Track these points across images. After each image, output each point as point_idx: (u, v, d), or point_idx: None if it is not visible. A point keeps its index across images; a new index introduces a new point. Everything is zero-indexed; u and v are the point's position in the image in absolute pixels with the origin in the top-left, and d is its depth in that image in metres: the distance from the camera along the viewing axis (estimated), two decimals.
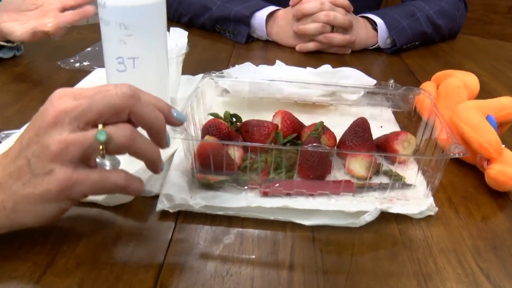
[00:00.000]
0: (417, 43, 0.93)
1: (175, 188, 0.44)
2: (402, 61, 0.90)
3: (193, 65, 0.83)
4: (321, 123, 0.52)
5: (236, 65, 0.61)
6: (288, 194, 0.45)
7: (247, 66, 0.57)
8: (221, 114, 0.53)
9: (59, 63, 0.78)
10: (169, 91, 0.53)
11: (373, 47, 0.93)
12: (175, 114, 0.40)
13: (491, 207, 0.47)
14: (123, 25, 0.44)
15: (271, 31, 0.94)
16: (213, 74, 0.55)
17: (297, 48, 0.90)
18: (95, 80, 0.71)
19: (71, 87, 0.38)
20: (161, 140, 0.39)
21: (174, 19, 1.05)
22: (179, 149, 0.50)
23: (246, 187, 0.46)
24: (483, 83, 0.82)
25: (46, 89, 0.69)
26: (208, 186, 0.46)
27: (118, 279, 0.36)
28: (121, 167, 0.43)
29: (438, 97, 0.59)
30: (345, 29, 0.88)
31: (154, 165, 0.39)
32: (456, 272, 0.39)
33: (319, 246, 0.40)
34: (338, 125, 0.57)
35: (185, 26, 1.03)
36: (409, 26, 0.90)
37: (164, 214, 0.43)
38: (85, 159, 0.36)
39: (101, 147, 0.35)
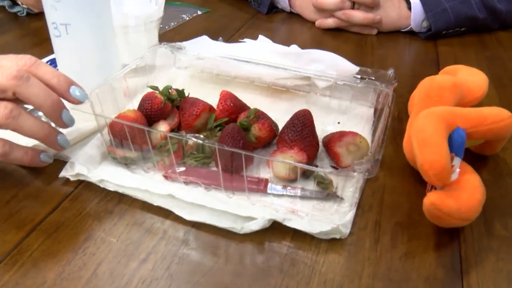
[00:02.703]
0: (462, 29, 0.79)
1: (84, 158, 0.45)
2: (435, 48, 0.76)
3: (196, 33, 0.80)
4: (255, 110, 0.47)
5: (194, 38, 0.57)
6: (186, 182, 0.43)
7: (203, 40, 0.54)
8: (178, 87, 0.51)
9: None
10: (118, 60, 0.52)
11: (406, 29, 0.81)
12: (77, 92, 0.41)
13: (425, 243, 0.38)
14: None
15: (295, 3, 0.86)
16: (164, 45, 0.53)
17: (316, 23, 0.82)
18: None
19: None
20: (56, 120, 0.40)
21: None
22: None
23: (148, 168, 0.44)
24: None
25: (44, 48, 0.73)
26: (116, 161, 0.45)
27: None
28: None
29: (418, 96, 0.49)
30: (369, 6, 0.77)
31: (46, 143, 0.41)
32: None
33: (187, 245, 0.37)
34: None
35: None
36: (453, 9, 0.75)
37: (68, 181, 0.44)
38: None
39: None
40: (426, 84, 0.48)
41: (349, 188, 0.43)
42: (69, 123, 0.41)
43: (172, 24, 0.79)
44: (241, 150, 0.38)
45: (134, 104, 0.53)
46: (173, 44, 0.53)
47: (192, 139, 0.39)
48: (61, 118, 0.40)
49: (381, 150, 0.38)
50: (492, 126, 0.42)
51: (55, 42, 0.48)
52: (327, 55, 0.53)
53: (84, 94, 0.41)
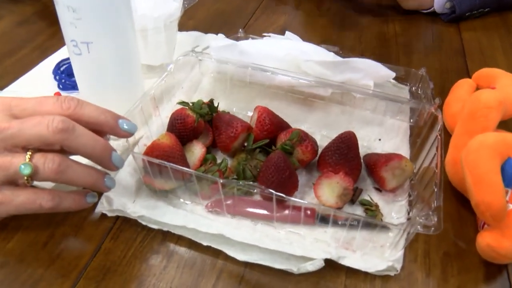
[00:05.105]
0: (486, 9, 0.75)
1: (119, 190, 0.42)
2: (458, 34, 0.73)
3: (210, 17, 0.75)
4: (298, 132, 0.45)
5: (220, 36, 0.53)
6: (233, 215, 0.41)
7: (232, 46, 0.50)
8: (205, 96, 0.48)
9: None
10: (139, 76, 0.48)
11: (428, 11, 0.77)
12: (126, 125, 0.38)
13: (475, 274, 0.39)
14: (71, 8, 0.39)
15: None
16: (193, 54, 0.49)
17: None
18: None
19: (12, 97, 0.37)
20: (107, 165, 0.38)
21: None
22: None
23: (190, 199, 0.43)
24: None
25: (55, 36, 0.67)
26: (154, 192, 0.43)
27: (33, 286, 0.36)
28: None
29: (461, 115, 0.47)
30: None
31: (94, 188, 0.39)
32: None
33: None
34: (336, 126, 0.50)
35: None
36: None
37: (104, 216, 0.42)
38: (12, 182, 0.35)
39: (25, 178, 0.34)
40: (471, 102, 0.46)
41: (396, 215, 0.43)
42: (120, 164, 0.38)
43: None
44: (287, 194, 0.37)
45: (160, 112, 0.49)
46: (200, 51, 0.49)
47: (243, 188, 0.37)
48: (111, 162, 0.37)
49: (441, 195, 0.36)
50: None
51: (75, 60, 0.44)
52: (363, 63, 0.50)
53: (133, 125, 0.38)
